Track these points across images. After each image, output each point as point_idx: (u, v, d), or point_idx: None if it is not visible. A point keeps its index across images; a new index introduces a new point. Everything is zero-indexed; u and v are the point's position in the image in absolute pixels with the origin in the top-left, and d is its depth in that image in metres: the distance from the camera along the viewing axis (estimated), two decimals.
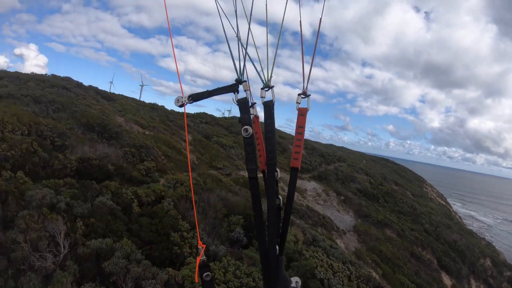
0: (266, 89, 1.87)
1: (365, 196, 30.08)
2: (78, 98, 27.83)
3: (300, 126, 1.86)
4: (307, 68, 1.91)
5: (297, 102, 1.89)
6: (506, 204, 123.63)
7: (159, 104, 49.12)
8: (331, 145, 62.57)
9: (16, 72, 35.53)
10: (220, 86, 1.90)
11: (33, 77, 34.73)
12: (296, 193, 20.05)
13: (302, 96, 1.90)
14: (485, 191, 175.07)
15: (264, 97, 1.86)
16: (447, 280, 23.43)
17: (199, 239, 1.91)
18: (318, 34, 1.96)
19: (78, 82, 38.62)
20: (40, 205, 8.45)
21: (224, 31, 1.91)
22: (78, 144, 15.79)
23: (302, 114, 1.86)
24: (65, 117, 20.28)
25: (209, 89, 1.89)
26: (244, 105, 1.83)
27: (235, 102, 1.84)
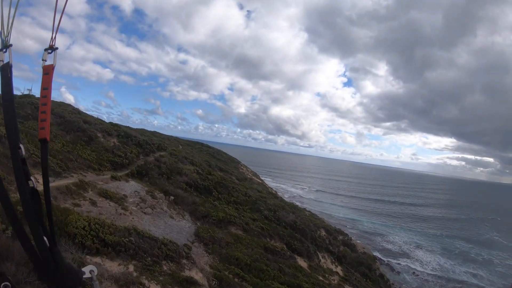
0: (4, 50, 1.63)
1: (197, 190, 25.37)
2: None
3: (45, 87, 1.67)
4: (56, 18, 1.69)
5: (43, 59, 1.71)
6: (307, 176, 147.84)
7: None
8: (143, 130, 56.62)
9: None
10: None
11: None
12: (114, 205, 12.50)
13: (48, 51, 1.71)
14: (288, 167, 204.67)
15: (3, 60, 1.62)
16: (302, 262, 22.88)
17: None
18: None
19: None
20: None
21: None
22: None
23: (46, 73, 1.69)
24: None
25: None
26: None
27: None
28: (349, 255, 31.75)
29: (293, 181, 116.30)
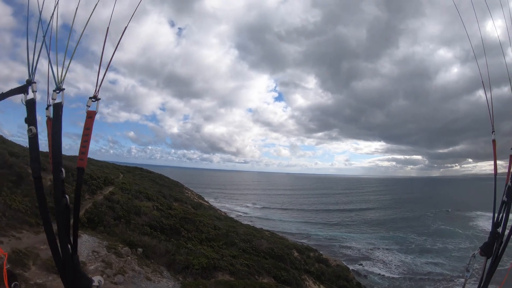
0: (58, 91, 2.04)
1: (163, 232, 20.18)
2: None
3: (87, 128, 2.09)
4: (101, 72, 2.19)
5: (87, 105, 2.10)
6: (249, 193, 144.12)
7: None
8: (76, 157, 48.54)
9: None
10: None
11: None
12: None
13: (93, 99, 2.12)
14: (228, 185, 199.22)
15: (55, 99, 2.02)
16: None
17: None
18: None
19: None
20: None
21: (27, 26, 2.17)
22: None
23: (90, 116, 2.09)
24: None
25: None
26: (32, 106, 2.00)
27: (23, 102, 2.00)
28: (326, 271, 29.62)
29: (236, 199, 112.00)
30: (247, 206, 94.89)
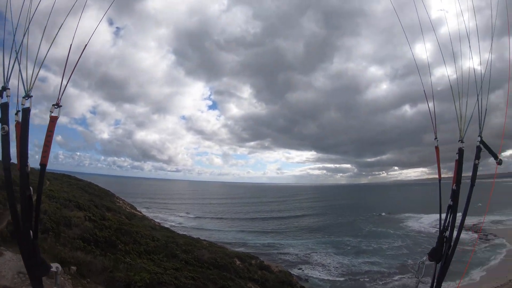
0: (27, 98, 2.34)
1: (97, 245, 17.94)
2: None
3: (50, 130, 2.38)
4: (64, 80, 2.52)
5: (50, 111, 2.37)
6: (182, 203, 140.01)
7: None
8: None
9: None
10: None
11: None
12: None
13: (55, 106, 2.40)
14: (159, 194, 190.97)
15: (24, 105, 2.30)
16: None
17: None
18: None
19: None
20: None
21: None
22: None
23: (52, 121, 2.37)
24: None
25: None
26: (5, 108, 2.26)
27: None
28: (270, 278, 29.29)
29: (169, 209, 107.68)
30: (181, 216, 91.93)
